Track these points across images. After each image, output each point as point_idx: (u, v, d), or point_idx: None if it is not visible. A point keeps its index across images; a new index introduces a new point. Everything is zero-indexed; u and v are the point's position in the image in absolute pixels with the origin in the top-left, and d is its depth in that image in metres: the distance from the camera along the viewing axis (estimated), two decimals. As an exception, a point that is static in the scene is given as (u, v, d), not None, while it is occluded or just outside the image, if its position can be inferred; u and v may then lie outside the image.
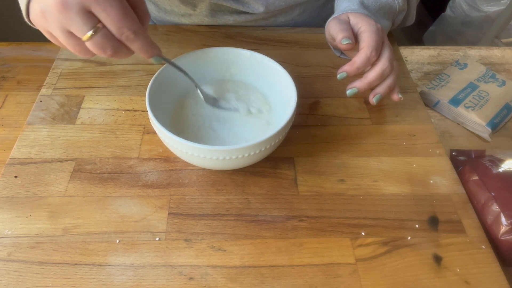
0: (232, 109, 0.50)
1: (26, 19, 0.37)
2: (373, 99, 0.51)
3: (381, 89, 0.51)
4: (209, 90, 0.52)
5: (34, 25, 0.37)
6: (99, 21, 0.34)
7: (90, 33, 0.33)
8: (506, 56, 0.72)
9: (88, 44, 0.34)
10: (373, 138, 0.54)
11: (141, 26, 0.35)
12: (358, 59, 0.48)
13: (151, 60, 0.40)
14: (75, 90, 0.57)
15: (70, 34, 0.35)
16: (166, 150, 0.50)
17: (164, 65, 0.49)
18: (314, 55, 0.65)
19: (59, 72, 0.59)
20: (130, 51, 0.37)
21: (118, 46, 0.35)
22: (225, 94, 0.53)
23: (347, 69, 0.49)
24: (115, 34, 0.34)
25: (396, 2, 0.57)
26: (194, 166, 0.49)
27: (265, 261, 0.42)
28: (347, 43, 0.48)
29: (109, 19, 0.33)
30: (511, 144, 0.58)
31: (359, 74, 0.50)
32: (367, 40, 0.48)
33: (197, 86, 0.49)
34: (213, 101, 0.51)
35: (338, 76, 0.50)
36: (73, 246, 0.42)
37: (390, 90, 0.52)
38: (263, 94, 0.54)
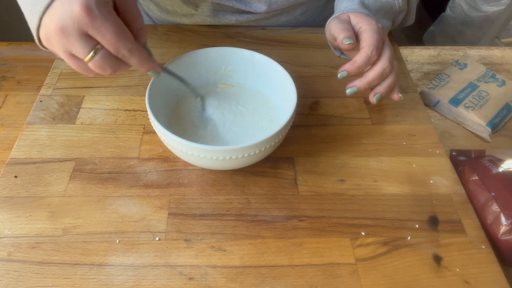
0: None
1: (39, 45, 0.39)
2: (373, 98, 0.51)
3: (381, 88, 0.51)
4: (209, 99, 0.52)
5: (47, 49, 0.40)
6: (98, 43, 0.35)
7: (90, 54, 0.35)
8: (506, 56, 0.72)
9: (90, 65, 0.36)
10: (373, 138, 0.54)
11: (136, 44, 0.37)
12: (359, 58, 0.48)
13: (149, 74, 0.42)
14: (75, 90, 0.57)
15: (73, 56, 0.37)
16: (166, 150, 0.50)
17: (164, 66, 0.49)
18: (314, 55, 0.65)
19: (59, 72, 0.59)
20: (129, 66, 0.39)
21: (117, 64, 0.37)
22: (223, 103, 0.53)
23: (347, 68, 0.49)
24: (113, 53, 0.36)
25: (396, 2, 0.57)
26: (194, 166, 0.49)
27: (265, 261, 0.42)
28: (349, 43, 0.48)
29: (105, 41, 0.35)
30: (511, 144, 0.58)
31: (359, 73, 0.50)
32: (367, 40, 0.48)
33: (197, 95, 0.49)
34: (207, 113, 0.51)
35: (338, 75, 0.50)
36: (73, 246, 0.42)
37: (390, 90, 0.51)
38: (263, 94, 0.54)
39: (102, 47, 0.36)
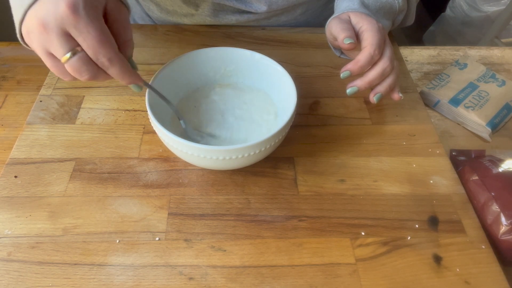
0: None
1: (20, 40, 0.38)
2: (373, 98, 0.51)
3: (382, 88, 0.51)
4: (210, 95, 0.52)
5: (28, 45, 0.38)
6: (78, 45, 0.34)
7: (68, 55, 0.34)
8: (506, 56, 0.72)
9: (66, 66, 0.35)
10: (373, 138, 0.54)
11: (119, 54, 0.36)
12: (362, 57, 0.48)
13: (130, 87, 0.40)
14: (75, 90, 0.57)
15: (50, 55, 0.35)
16: (166, 150, 0.50)
17: (164, 66, 0.49)
18: (314, 55, 0.65)
19: (59, 72, 0.59)
20: (109, 76, 0.37)
21: (95, 71, 0.36)
22: (224, 103, 0.53)
23: (350, 67, 0.49)
24: (92, 59, 0.35)
25: (396, 2, 0.57)
26: (194, 166, 0.49)
27: (265, 261, 0.42)
28: (350, 43, 0.48)
29: (86, 44, 0.34)
30: (511, 144, 0.58)
31: (361, 73, 0.50)
32: (369, 39, 0.48)
33: (179, 118, 0.48)
34: (194, 135, 0.49)
35: (341, 75, 0.50)
36: (73, 246, 0.42)
37: (391, 89, 0.51)
38: (263, 94, 0.54)
39: (82, 50, 0.34)
